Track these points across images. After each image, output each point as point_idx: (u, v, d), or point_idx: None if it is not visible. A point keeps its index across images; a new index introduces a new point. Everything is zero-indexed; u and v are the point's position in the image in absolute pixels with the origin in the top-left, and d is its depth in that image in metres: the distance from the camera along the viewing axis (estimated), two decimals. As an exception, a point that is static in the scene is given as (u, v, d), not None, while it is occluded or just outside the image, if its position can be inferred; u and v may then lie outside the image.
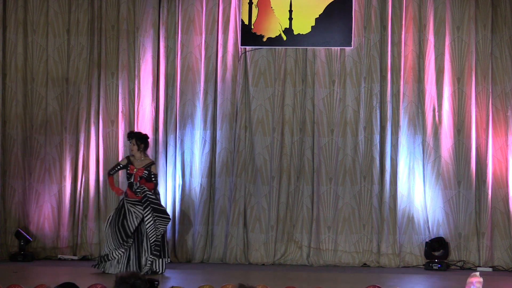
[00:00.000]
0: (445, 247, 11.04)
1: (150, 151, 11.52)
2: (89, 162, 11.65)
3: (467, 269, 10.94)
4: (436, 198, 11.23)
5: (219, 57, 11.59)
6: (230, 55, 11.57)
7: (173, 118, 11.60)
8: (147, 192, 10.24)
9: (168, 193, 11.53)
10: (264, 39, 11.53)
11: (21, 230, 11.42)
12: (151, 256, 10.10)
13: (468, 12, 11.26)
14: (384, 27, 11.39)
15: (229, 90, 11.55)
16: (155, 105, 11.61)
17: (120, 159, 11.56)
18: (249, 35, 11.52)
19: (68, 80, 11.76)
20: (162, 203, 11.50)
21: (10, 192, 11.68)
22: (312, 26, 11.45)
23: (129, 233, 10.14)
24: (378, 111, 11.33)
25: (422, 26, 11.33)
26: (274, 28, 11.52)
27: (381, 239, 11.25)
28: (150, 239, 10.15)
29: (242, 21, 11.52)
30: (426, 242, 11.06)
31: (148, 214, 10.17)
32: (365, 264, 11.31)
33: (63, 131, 11.73)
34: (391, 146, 11.31)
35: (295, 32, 11.47)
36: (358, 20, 11.39)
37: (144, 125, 11.57)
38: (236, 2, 11.55)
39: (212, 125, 11.57)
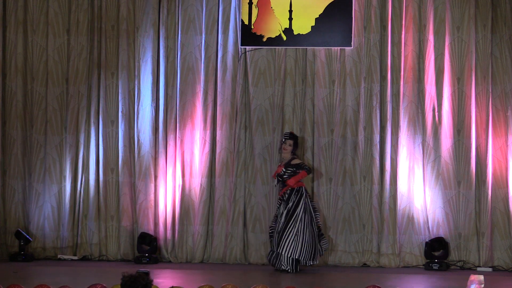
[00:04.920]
0: (445, 247, 11.04)
1: (150, 151, 11.55)
2: (89, 162, 11.66)
3: (467, 269, 10.94)
4: (436, 198, 11.22)
5: (219, 57, 11.59)
6: (230, 55, 11.57)
7: (173, 118, 11.60)
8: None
9: (168, 193, 11.53)
10: (264, 39, 11.53)
11: (21, 230, 11.42)
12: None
13: (468, 12, 11.26)
14: (384, 27, 11.39)
15: (229, 90, 11.56)
16: (155, 105, 11.61)
17: (120, 159, 11.59)
18: (249, 35, 11.52)
19: (68, 80, 11.76)
20: (162, 203, 11.54)
21: (10, 192, 11.69)
22: (312, 26, 11.45)
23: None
24: (378, 111, 11.33)
25: (422, 26, 11.33)
26: (274, 28, 11.52)
27: (381, 239, 11.25)
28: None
29: (242, 21, 11.52)
30: (426, 242, 11.06)
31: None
32: (365, 264, 11.31)
33: (63, 131, 11.73)
34: (391, 146, 11.31)
35: (295, 32, 11.47)
36: (358, 20, 11.39)
37: (144, 125, 11.58)
38: (236, 2, 11.55)
39: (212, 125, 11.57)
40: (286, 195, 10.61)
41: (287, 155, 10.79)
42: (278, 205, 10.78)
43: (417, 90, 11.35)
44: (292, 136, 10.87)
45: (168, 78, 11.66)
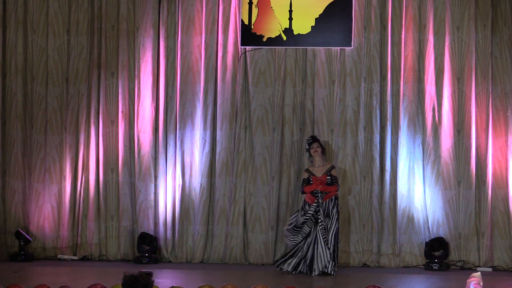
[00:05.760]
0: (445, 247, 11.03)
1: (150, 151, 11.55)
2: (89, 162, 11.66)
3: (467, 269, 10.93)
4: (436, 198, 11.22)
5: (219, 57, 11.59)
6: (230, 55, 11.57)
7: (173, 118, 11.60)
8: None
9: (168, 193, 11.53)
10: (264, 39, 11.53)
11: (21, 230, 11.42)
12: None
13: (468, 12, 11.26)
14: (384, 27, 11.39)
15: (229, 90, 11.56)
16: (155, 105, 11.61)
17: (120, 159, 11.58)
18: (249, 35, 11.52)
19: (68, 80, 11.76)
20: (162, 203, 11.54)
21: (10, 192, 11.69)
22: (312, 26, 11.45)
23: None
24: (378, 111, 11.33)
25: (422, 26, 11.33)
26: (274, 28, 11.52)
27: (381, 239, 11.25)
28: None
29: (242, 21, 11.52)
30: (426, 242, 11.06)
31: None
32: (365, 264, 11.31)
33: (63, 131, 11.73)
34: (391, 146, 11.31)
35: (295, 32, 11.47)
36: (358, 20, 11.39)
37: (144, 125, 11.58)
38: (236, 2, 11.55)
39: (212, 125, 11.57)
40: (330, 203, 10.49)
41: (319, 159, 10.65)
42: (310, 214, 10.45)
43: (417, 90, 11.35)
44: (315, 138, 10.82)
45: (168, 78, 11.66)
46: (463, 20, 11.27)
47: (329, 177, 10.52)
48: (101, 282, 7.77)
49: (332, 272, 10.28)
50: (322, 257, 10.28)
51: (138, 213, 11.53)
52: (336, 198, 10.55)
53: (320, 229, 10.31)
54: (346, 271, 10.84)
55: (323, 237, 10.27)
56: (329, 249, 10.25)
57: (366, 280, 9.44)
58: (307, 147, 10.80)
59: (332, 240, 10.29)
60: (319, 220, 10.32)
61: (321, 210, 10.38)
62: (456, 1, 11.28)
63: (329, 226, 10.33)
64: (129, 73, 11.67)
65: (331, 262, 10.28)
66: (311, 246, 10.39)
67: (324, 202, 10.43)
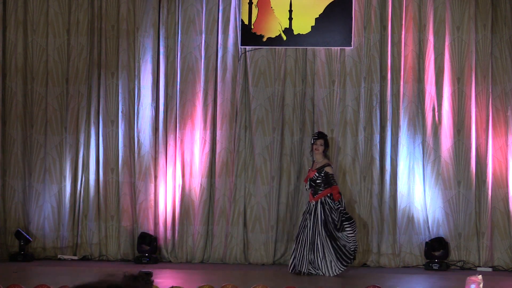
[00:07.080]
0: (445, 247, 11.03)
1: (150, 151, 11.55)
2: (89, 162, 11.66)
3: (467, 269, 10.94)
4: (436, 198, 11.22)
5: (219, 57, 11.59)
6: (230, 55, 11.57)
7: (173, 118, 11.61)
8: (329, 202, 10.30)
9: (168, 193, 11.53)
10: (264, 39, 11.53)
11: (21, 230, 11.42)
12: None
13: (468, 12, 11.26)
14: (384, 27, 11.39)
15: (229, 90, 11.56)
16: (155, 105, 11.61)
17: (120, 159, 11.58)
18: (249, 35, 11.52)
19: (68, 80, 11.76)
20: (162, 203, 11.54)
21: (10, 192, 11.68)
22: (312, 26, 11.45)
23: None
24: (378, 111, 11.33)
25: (422, 26, 11.33)
26: (274, 28, 11.52)
27: (381, 239, 11.25)
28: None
29: (242, 21, 11.52)
30: (426, 242, 11.06)
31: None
32: (365, 264, 11.31)
33: (63, 131, 11.73)
34: (391, 146, 11.31)
35: (295, 32, 11.47)
36: (358, 20, 11.39)
37: (144, 125, 11.58)
38: (236, 2, 11.55)
39: (212, 125, 11.57)
40: (337, 203, 10.34)
41: (319, 157, 10.46)
42: (307, 212, 10.37)
43: (417, 90, 11.35)
44: (321, 135, 10.61)
45: (168, 78, 11.66)
46: (463, 20, 11.28)
47: (318, 174, 10.33)
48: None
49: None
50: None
51: (138, 213, 11.53)
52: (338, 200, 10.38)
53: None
54: (346, 271, 10.83)
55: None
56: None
57: (366, 280, 9.44)
58: (312, 142, 10.66)
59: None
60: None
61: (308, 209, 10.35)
62: (456, 1, 11.28)
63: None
64: (129, 73, 11.67)
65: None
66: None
67: (315, 202, 10.32)
